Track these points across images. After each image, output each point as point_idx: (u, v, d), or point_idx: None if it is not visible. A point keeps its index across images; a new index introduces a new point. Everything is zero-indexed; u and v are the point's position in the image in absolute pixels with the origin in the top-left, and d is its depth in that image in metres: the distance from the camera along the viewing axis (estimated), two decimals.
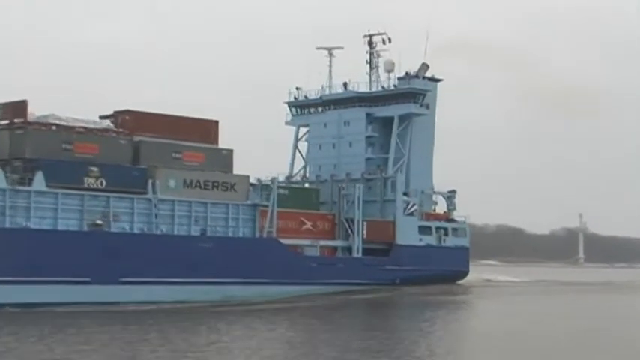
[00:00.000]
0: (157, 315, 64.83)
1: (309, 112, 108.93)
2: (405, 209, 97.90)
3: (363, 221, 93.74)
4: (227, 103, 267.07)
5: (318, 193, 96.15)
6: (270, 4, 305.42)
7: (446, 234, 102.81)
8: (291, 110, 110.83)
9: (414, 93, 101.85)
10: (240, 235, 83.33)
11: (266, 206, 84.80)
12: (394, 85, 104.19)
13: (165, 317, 63.33)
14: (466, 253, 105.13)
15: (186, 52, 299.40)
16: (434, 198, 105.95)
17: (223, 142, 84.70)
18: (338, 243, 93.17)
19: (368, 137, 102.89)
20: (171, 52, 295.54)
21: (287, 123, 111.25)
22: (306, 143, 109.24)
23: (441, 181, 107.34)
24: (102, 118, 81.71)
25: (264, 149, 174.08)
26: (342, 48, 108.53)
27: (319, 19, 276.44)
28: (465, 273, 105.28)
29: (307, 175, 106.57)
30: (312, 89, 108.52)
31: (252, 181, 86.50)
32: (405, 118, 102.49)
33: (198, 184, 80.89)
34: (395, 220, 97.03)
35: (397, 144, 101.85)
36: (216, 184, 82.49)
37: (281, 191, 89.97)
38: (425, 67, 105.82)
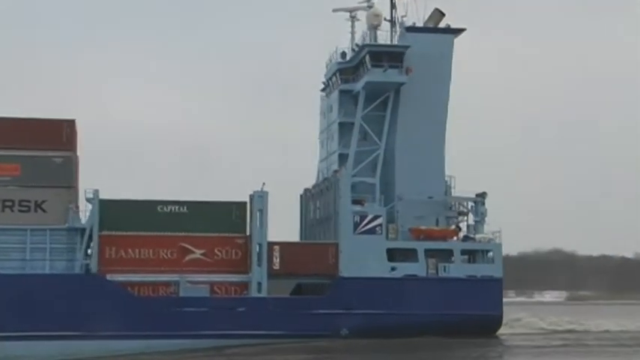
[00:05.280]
0: None
1: None
2: (356, 225, 66.55)
3: (273, 245, 65.26)
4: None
5: (245, 208, 68.63)
6: None
7: (450, 260, 68.38)
8: None
9: (377, 53, 69.39)
10: (47, 270, 61.62)
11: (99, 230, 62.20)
12: (357, 45, 72.66)
13: None
14: (496, 287, 68.88)
15: None
16: (451, 205, 71.46)
17: None
18: (231, 278, 65.48)
19: (341, 124, 72.93)
20: None
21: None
22: None
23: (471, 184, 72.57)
24: None
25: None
26: (365, 8, 78.95)
27: None
28: (496, 319, 68.68)
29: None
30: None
31: (88, 195, 63.81)
32: (376, 92, 70.48)
33: None
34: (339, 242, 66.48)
35: (364, 130, 70.42)
36: (8, 204, 62.05)
37: (173, 208, 66.44)
38: (437, 14, 72.52)
